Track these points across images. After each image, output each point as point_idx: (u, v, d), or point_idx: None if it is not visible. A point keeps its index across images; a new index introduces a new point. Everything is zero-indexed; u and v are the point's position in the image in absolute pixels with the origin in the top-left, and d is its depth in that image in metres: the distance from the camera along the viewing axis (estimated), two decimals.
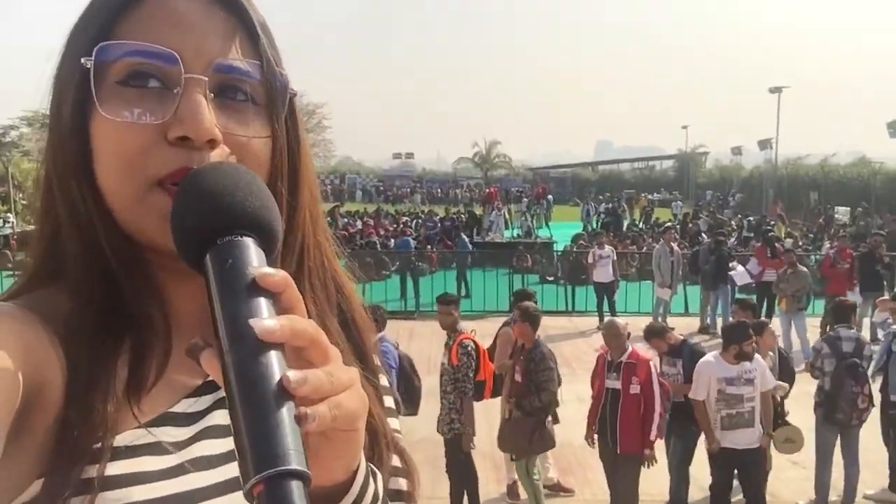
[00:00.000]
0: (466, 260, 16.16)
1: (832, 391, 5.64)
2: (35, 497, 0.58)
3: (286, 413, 0.49)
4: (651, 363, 5.17)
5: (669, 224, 19.59)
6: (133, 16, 0.63)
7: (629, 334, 5.45)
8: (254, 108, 0.66)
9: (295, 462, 0.48)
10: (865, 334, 8.24)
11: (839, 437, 5.74)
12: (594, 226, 26.48)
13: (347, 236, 20.56)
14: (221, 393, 0.67)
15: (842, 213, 28.86)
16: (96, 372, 0.62)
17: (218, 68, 0.63)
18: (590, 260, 12.68)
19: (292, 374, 0.49)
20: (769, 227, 17.53)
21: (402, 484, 0.79)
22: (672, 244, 12.51)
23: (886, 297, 11.81)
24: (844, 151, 45.52)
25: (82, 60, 0.61)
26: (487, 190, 32.45)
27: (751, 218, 27.09)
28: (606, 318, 5.55)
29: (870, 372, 5.85)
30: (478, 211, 31.36)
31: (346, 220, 25.26)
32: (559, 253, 17.68)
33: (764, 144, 40.18)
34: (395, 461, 0.79)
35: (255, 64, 0.66)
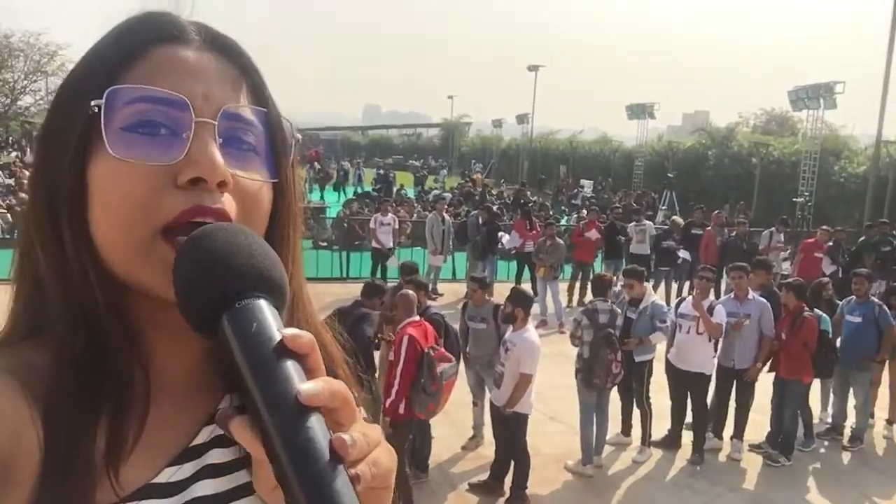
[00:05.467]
0: None
1: (590, 359, 6.21)
2: None
3: (342, 477, 0.50)
4: (406, 337, 5.29)
5: (439, 193, 20.38)
6: (141, 65, 0.62)
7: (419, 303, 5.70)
8: (257, 157, 0.66)
9: None
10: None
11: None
12: (362, 190, 26.76)
13: None
14: (204, 461, 0.67)
15: (586, 185, 31.87)
16: (74, 446, 0.58)
17: (226, 115, 0.63)
18: (372, 225, 12.79)
19: (346, 438, 0.51)
20: (529, 202, 18.80)
21: None
22: (444, 214, 13.03)
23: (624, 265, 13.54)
24: (588, 129, 50.09)
25: (92, 103, 0.60)
26: None
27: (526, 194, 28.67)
28: (402, 291, 5.67)
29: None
30: None
31: None
32: (332, 219, 17.64)
33: (521, 119, 42.92)
34: None
35: (261, 112, 0.67)
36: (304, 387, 0.51)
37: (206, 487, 0.66)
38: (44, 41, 43.48)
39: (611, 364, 6.16)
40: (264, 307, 0.55)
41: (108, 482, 0.59)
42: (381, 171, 31.30)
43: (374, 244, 12.65)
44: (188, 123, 0.61)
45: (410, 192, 27.64)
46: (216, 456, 0.68)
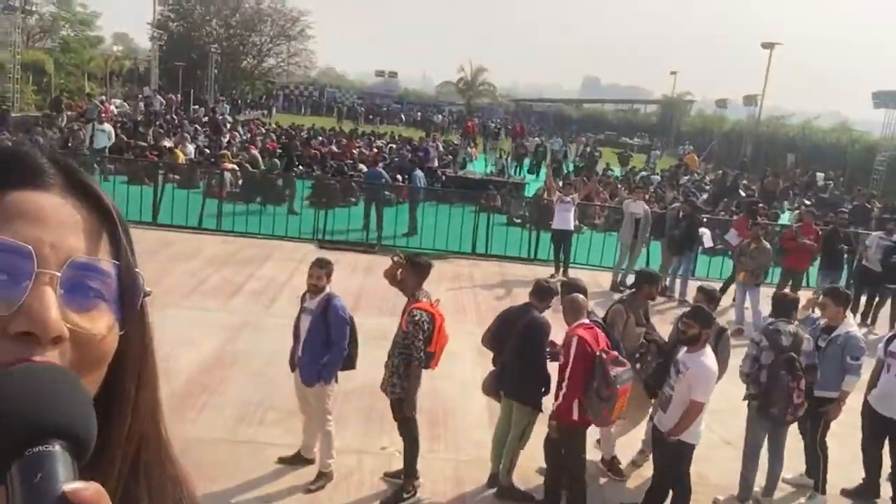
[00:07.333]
0: (419, 196, 15.50)
1: (768, 384, 5.53)
2: None
3: None
4: (575, 338, 5.08)
5: (646, 175, 19.46)
6: None
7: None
8: (104, 304, 0.65)
9: None
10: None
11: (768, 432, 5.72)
12: (569, 169, 26.17)
13: (319, 157, 20.17)
14: None
15: (819, 178, 28.96)
16: None
17: (73, 265, 0.62)
18: (553, 199, 12.43)
19: None
20: (755, 200, 17.05)
21: None
22: (643, 201, 12.36)
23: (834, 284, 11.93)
24: (827, 114, 45.23)
25: None
26: (467, 123, 32.23)
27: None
28: (570, 295, 5.43)
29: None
30: (456, 141, 31.03)
31: (319, 138, 25.00)
32: (528, 198, 17.45)
33: (749, 100, 39.79)
34: None
35: (114, 264, 0.66)
36: None
37: None
38: (289, 6, 47.27)
39: (791, 393, 5.42)
40: (57, 456, 0.53)
41: None
42: (588, 149, 30.60)
43: (553, 225, 12.30)
44: (29, 273, 0.60)
45: (617, 172, 26.67)
46: None
